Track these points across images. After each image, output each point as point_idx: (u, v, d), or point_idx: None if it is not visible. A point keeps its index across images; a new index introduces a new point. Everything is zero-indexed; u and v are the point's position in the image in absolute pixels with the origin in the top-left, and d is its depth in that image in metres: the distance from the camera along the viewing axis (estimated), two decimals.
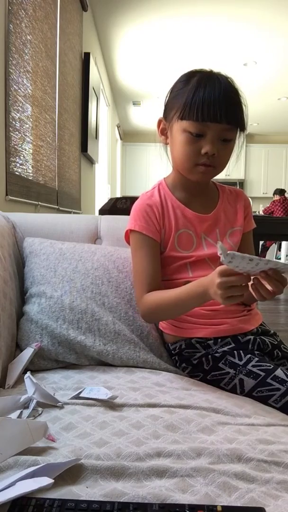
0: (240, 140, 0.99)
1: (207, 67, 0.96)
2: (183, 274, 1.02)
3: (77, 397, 0.81)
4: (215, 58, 4.75)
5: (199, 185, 1.03)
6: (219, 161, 0.95)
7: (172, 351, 1.04)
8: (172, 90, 0.97)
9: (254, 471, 0.60)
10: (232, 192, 1.11)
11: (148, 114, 7.42)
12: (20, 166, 1.87)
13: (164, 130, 1.01)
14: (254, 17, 4.02)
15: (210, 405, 0.80)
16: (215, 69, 0.95)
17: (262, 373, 0.88)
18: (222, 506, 0.51)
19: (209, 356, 0.96)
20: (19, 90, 1.81)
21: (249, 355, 0.93)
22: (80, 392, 0.82)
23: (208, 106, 0.89)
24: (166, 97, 1.00)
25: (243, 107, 0.94)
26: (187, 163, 0.96)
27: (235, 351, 0.95)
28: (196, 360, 0.98)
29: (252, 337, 1.00)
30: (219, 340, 0.98)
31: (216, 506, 0.51)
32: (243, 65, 5.12)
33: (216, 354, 0.96)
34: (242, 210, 1.08)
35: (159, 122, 1.02)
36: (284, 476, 0.59)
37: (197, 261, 1.01)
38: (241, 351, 0.94)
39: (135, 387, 0.87)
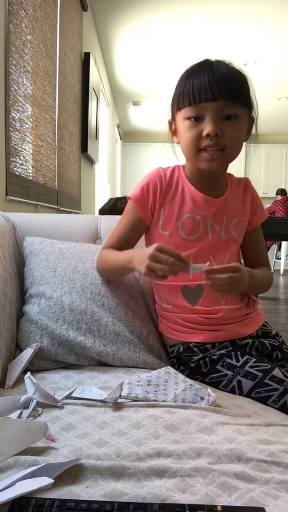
0: (254, 118, 0.97)
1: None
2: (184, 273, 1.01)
3: (68, 397, 0.81)
4: (215, 57, 4.72)
5: (213, 176, 1.00)
6: (227, 142, 0.90)
7: (171, 354, 1.04)
8: (175, 87, 0.97)
9: (254, 471, 0.60)
10: (240, 181, 1.07)
11: (148, 114, 7.42)
12: (20, 166, 1.87)
13: (175, 131, 1.00)
14: (254, 16, 4.02)
15: (210, 405, 0.80)
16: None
17: (260, 374, 0.88)
18: (222, 506, 0.51)
19: (207, 359, 0.96)
20: (19, 90, 1.81)
21: (247, 356, 0.93)
22: (71, 392, 0.82)
23: (199, 87, 0.88)
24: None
25: (244, 84, 0.91)
26: (191, 150, 0.93)
27: (232, 353, 0.95)
28: (194, 363, 0.98)
29: (250, 340, 0.99)
30: (217, 344, 0.98)
31: (216, 506, 0.51)
32: (243, 65, 5.12)
33: (214, 357, 0.95)
34: (249, 200, 1.06)
35: (169, 124, 1.01)
36: (284, 476, 0.59)
37: (200, 256, 0.99)
38: (238, 352, 0.94)
39: None
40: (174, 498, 0.53)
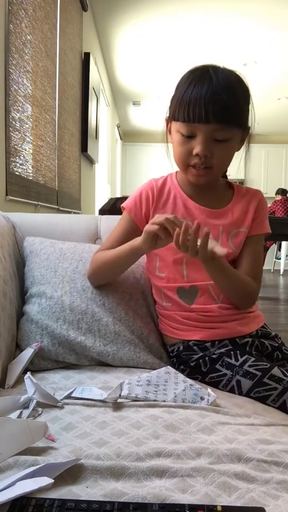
0: (248, 136, 0.97)
1: None
2: (178, 274, 1.01)
3: (68, 397, 0.81)
4: (215, 57, 4.73)
5: (204, 185, 1.00)
6: (214, 162, 0.93)
7: (171, 353, 1.04)
8: (175, 88, 0.96)
9: (254, 471, 0.60)
10: (248, 192, 1.07)
11: (148, 114, 7.42)
12: (20, 166, 1.87)
13: (171, 131, 1.00)
14: (254, 16, 4.02)
15: (210, 405, 0.80)
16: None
17: (259, 373, 0.88)
18: (222, 506, 0.51)
19: (206, 358, 0.96)
20: (19, 90, 1.81)
21: (246, 356, 0.93)
22: (72, 392, 0.82)
23: (194, 106, 0.87)
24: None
25: (241, 102, 0.90)
26: (181, 164, 0.97)
27: (231, 352, 0.95)
28: (193, 362, 0.98)
29: (250, 339, 0.99)
30: (216, 342, 0.98)
31: (216, 506, 0.51)
32: (243, 65, 5.11)
33: (213, 356, 0.95)
34: (252, 211, 1.04)
35: (167, 121, 1.01)
36: (284, 476, 0.59)
37: (193, 261, 0.98)
38: (237, 352, 0.94)
39: None
40: (174, 498, 0.53)
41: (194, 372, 0.98)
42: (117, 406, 0.78)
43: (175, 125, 0.94)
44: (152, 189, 1.04)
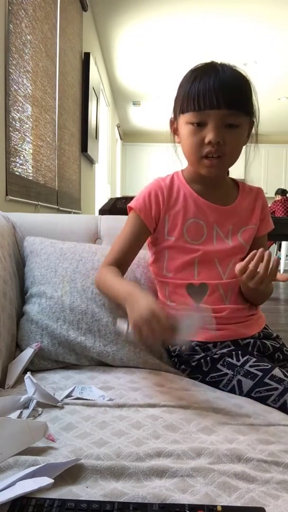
0: (255, 127, 0.98)
1: None
2: (189, 273, 1.01)
3: (68, 396, 0.81)
4: (215, 57, 4.71)
5: (213, 179, 1.01)
6: (227, 150, 0.92)
7: (172, 353, 1.04)
8: (178, 88, 0.97)
9: (254, 471, 0.60)
10: (252, 190, 1.09)
11: (148, 114, 7.42)
12: (20, 166, 1.87)
13: (176, 130, 1.01)
14: (254, 16, 4.02)
15: (210, 405, 0.80)
16: None
17: (260, 373, 0.88)
18: (222, 506, 0.51)
19: (208, 358, 0.96)
20: (19, 90, 1.81)
21: (247, 356, 0.93)
22: (72, 391, 0.82)
23: (204, 94, 0.89)
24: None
25: (247, 92, 0.92)
26: (193, 156, 0.95)
27: (233, 352, 0.95)
28: (195, 362, 0.98)
29: (252, 340, 1.00)
30: (219, 343, 0.98)
31: (216, 506, 0.51)
32: (243, 65, 5.12)
33: (215, 356, 0.96)
34: (259, 209, 1.07)
35: (171, 122, 1.02)
36: (284, 476, 0.59)
37: (205, 260, 1.00)
38: (239, 352, 0.94)
39: (135, 387, 0.87)
40: (174, 498, 0.53)
41: (195, 371, 0.98)
42: (117, 406, 0.78)
43: (184, 118, 0.94)
44: (161, 189, 1.03)
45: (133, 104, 6.96)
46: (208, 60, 0.96)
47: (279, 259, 0.84)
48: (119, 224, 1.31)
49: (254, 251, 0.86)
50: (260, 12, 3.94)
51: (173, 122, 1.01)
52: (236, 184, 1.09)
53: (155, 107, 6.92)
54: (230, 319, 1.00)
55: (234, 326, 1.00)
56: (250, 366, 0.90)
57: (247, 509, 0.52)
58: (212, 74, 0.90)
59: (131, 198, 1.09)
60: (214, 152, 0.92)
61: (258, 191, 1.09)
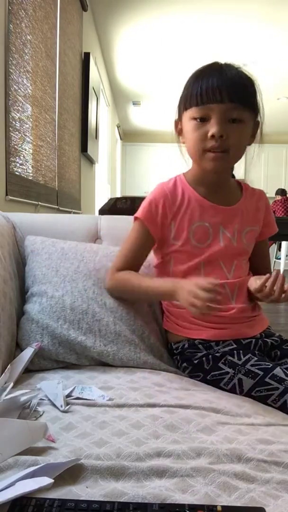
0: (260, 123, 0.98)
1: None
2: (196, 276, 1.01)
3: (68, 396, 0.81)
4: (215, 57, 4.71)
5: (218, 179, 1.01)
6: (231, 144, 0.92)
7: (175, 351, 1.04)
8: (182, 90, 0.98)
9: (254, 471, 0.60)
10: (255, 191, 1.10)
11: (148, 114, 7.41)
12: (20, 166, 1.87)
13: (181, 131, 1.01)
14: (254, 16, 4.01)
15: (210, 405, 0.80)
16: None
17: (261, 372, 0.88)
18: (222, 506, 0.51)
19: (210, 356, 0.96)
20: (19, 90, 1.81)
21: (249, 355, 0.93)
22: (72, 391, 0.82)
23: (207, 88, 0.90)
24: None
25: (251, 88, 0.93)
26: (197, 150, 0.95)
27: (235, 351, 0.95)
28: (197, 360, 0.98)
29: (254, 340, 1.00)
30: (221, 341, 0.99)
31: (216, 506, 0.51)
32: (243, 65, 5.08)
33: (217, 354, 0.96)
34: (263, 211, 1.08)
35: (175, 124, 1.02)
36: (284, 476, 0.59)
37: (211, 261, 1.01)
38: (241, 351, 0.95)
39: (135, 387, 0.87)
40: (174, 498, 0.53)
41: (197, 369, 0.98)
42: (117, 406, 0.78)
43: (188, 114, 0.94)
44: (165, 195, 1.02)
45: (133, 104, 6.96)
46: (208, 61, 0.97)
47: None
48: (119, 224, 1.32)
49: (268, 275, 0.92)
50: (259, 13, 3.94)
51: (178, 123, 1.01)
52: (239, 185, 1.10)
53: (155, 107, 6.92)
54: (235, 318, 1.01)
55: (238, 326, 1.00)
56: (252, 365, 0.90)
57: (247, 509, 0.52)
58: (216, 72, 0.91)
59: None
60: (218, 147, 0.92)
61: (261, 193, 1.10)
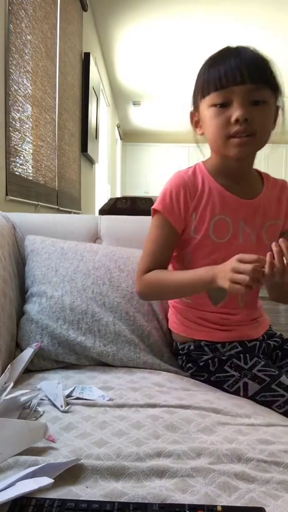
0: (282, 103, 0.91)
1: None
2: None
3: (68, 396, 0.81)
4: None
5: (241, 168, 0.95)
6: (257, 127, 0.85)
7: (180, 351, 1.03)
8: (196, 80, 0.92)
9: (254, 471, 0.60)
10: (277, 182, 1.03)
11: (148, 114, 7.41)
12: (20, 166, 1.87)
13: (197, 122, 0.95)
14: (254, 17, 4.02)
15: (210, 405, 0.80)
16: None
17: (267, 379, 0.88)
18: (222, 506, 0.51)
19: (216, 358, 0.96)
20: (19, 90, 1.81)
21: (255, 359, 0.93)
22: (72, 391, 0.82)
23: (226, 71, 0.83)
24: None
25: (272, 67, 0.87)
26: (220, 138, 0.88)
27: (241, 354, 0.95)
28: (202, 362, 0.98)
29: (258, 342, 1.00)
30: (227, 344, 0.98)
31: (216, 506, 0.51)
32: None
33: (223, 357, 0.96)
34: (285, 203, 1.00)
35: (191, 116, 0.96)
36: (284, 476, 0.59)
37: (228, 258, 0.91)
38: (247, 355, 0.95)
39: (135, 387, 0.87)
40: (174, 498, 0.53)
41: (201, 370, 0.98)
42: (117, 406, 0.78)
43: (206, 101, 0.88)
44: (185, 184, 0.95)
45: (133, 104, 6.96)
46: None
47: None
48: (119, 224, 1.32)
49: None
50: (259, 14, 3.95)
51: (194, 115, 0.95)
52: (260, 175, 1.03)
53: (155, 107, 6.92)
54: (241, 321, 1.01)
55: (242, 328, 1.00)
56: (258, 371, 0.90)
57: (247, 509, 0.52)
58: (233, 54, 0.85)
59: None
60: (243, 131, 0.84)
61: (284, 184, 1.03)
